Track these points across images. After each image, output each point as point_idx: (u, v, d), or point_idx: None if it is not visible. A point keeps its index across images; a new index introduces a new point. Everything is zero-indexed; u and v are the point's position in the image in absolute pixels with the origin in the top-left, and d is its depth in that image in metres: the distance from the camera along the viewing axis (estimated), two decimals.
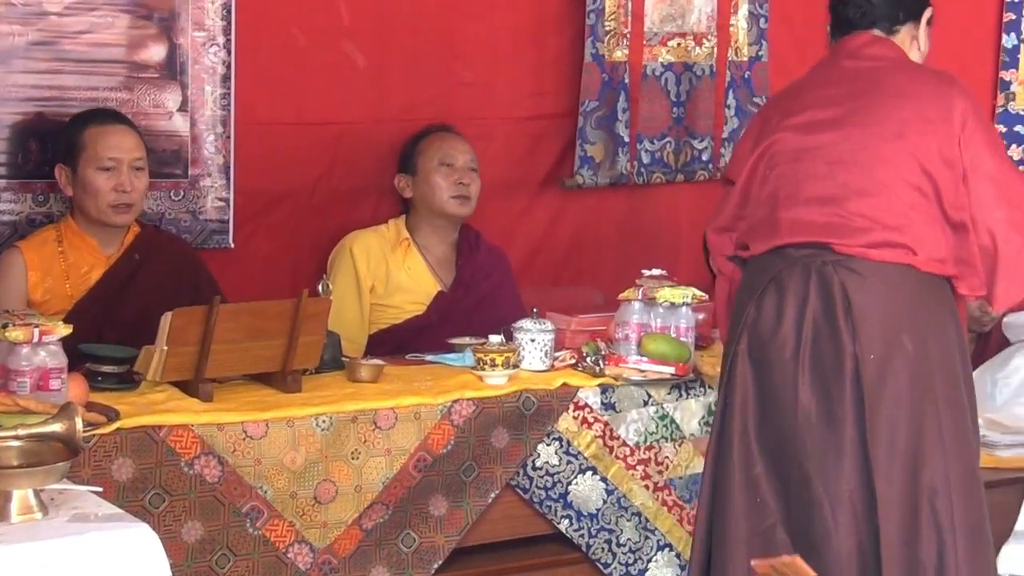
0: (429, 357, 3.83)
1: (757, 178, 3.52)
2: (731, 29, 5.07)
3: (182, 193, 4.22)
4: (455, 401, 3.48)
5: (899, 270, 3.32)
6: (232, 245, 4.31)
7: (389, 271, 4.32)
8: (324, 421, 3.33)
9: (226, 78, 4.22)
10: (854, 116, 3.42)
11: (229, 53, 4.22)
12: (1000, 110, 5.81)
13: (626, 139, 4.91)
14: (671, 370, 3.70)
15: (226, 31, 4.21)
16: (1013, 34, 5.78)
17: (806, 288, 3.33)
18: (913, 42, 3.58)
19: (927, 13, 3.60)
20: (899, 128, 3.36)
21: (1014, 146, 5.86)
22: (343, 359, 3.70)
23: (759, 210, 3.49)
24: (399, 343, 4.14)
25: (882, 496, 3.25)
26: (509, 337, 3.67)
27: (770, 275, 3.40)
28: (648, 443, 3.73)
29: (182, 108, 4.19)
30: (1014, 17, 5.77)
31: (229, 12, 4.20)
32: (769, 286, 3.39)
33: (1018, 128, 5.86)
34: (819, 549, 3.27)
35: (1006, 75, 5.81)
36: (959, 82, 3.47)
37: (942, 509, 3.27)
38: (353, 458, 3.36)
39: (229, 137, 4.25)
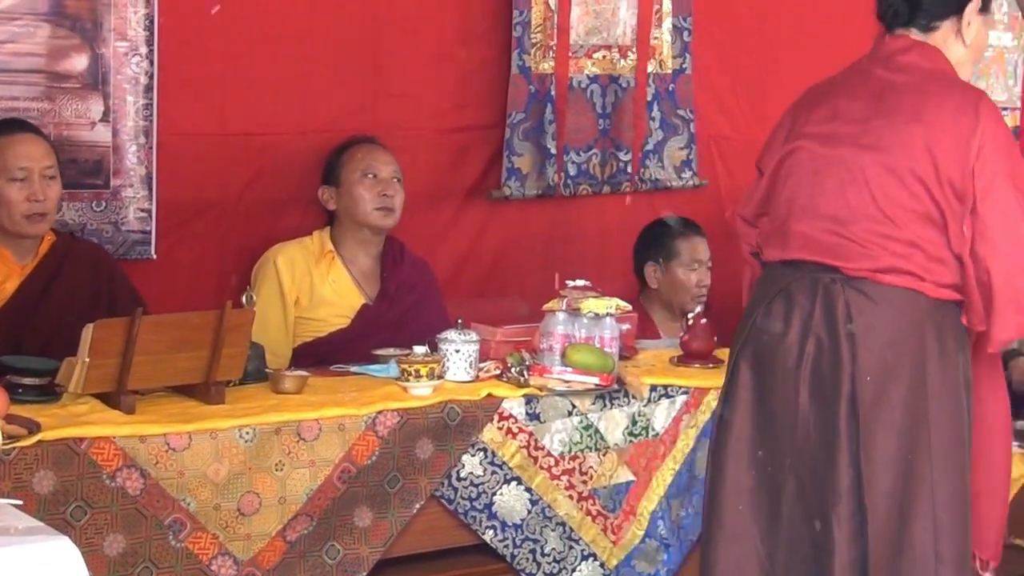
0: (353, 368, 3.83)
1: (780, 178, 3.48)
2: (654, 42, 5.10)
3: (104, 204, 4.19)
4: (379, 412, 3.47)
5: (907, 295, 3.29)
6: (155, 256, 4.29)
7: (313, 284, 4.31)
8: (247, 433, 3.32)
9: (149, 88, 4.20)
10: (871, 136, 3.32)
11: (152, 63, 4.20)
12: None
13: (553, 151, 4.93)
14: (595, 380, 3.71)
15: (149, 41, 4.19)
16: None
17: (812, 304, 3.32)
18: (957, 37, 3.41)
19: (972, 5, 3.41)
20: (912, 156, 3.26)
21: None
22: (267, 371, 3.68)
23: (777, 214, 3.47)
24: (323, 356, 4.12)
25: (872, 516, 3.25)
26: (434, 348, 3.67)
27: (779, 286, 3.40)
28: (572, 453, 3.74)
29: (104, 118, 4.16)
30: None
31: (152, 23, 4.18)
32: (777, 297, 3.39)
33: None
34: (811, 564, 3.29)
35: None
36: (985, 105, 3.32)
37: (928, 536, 3.26)
38: (277, 470, 3.34)
39: (151, 148, 4.23)
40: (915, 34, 3.42)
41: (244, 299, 3.60)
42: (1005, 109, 6.05)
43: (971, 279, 3.28)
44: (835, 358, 3.28)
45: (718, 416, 3.51)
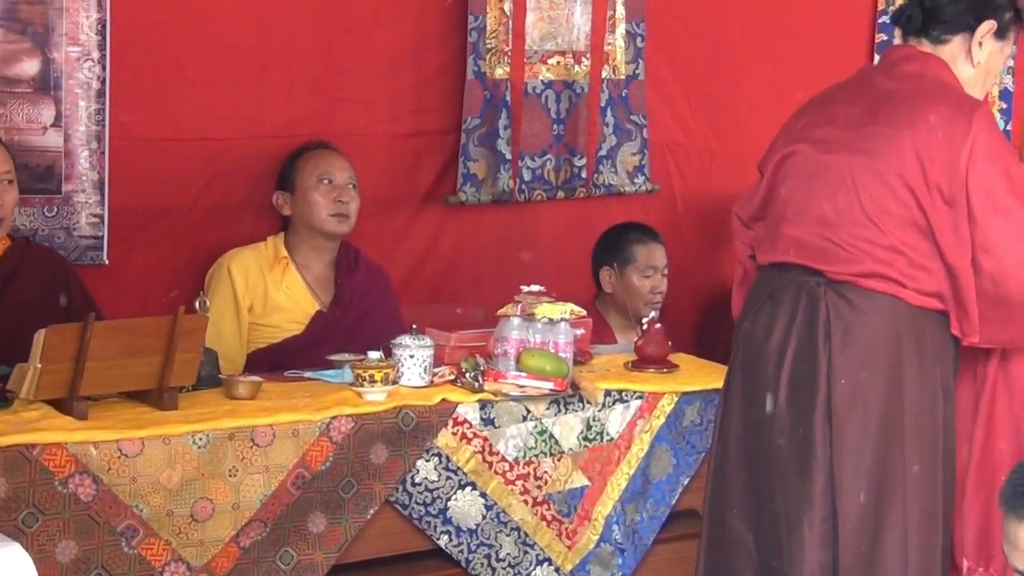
0: (307, 374, 3.82)
1: (778, 181, 3.50)
2: (608, 48, 5.11)
3: (56, 209, 4.16)
4: (334, 418, 3.47)
5: (889, 301, 3.30)
6: (107, 262, 4.26)
7: (267, 290, 4.29)
8: (201, 439, 3.31)
9: (101, 93, 4.18)
10: (863, 141, 3.33)
11: (104, 68, 4.18)
12: None
13: (508, 156, 4.93)
14: (550, 385, 3.72)
15: (101, 46, 4.17)
16: None
17: (795, 307, 3.35)
18: (967, 56, 3.41)
19: (986, 26, 3.40)
20: (901, 161, 3.26)
21: None
22: (220, 377, 3.67)
23: (772, 218, 3.50)
24: (277, 362, 4.10)
25: (843, 521, 3.26)
26: (388, 353, 3.67)
27: (767, 290, 3.44)
28: (527, 458, 3.74)
29: (56, 123, 4.14)
30: (886, 38, 5.88)
31: (104, 27, 4.16)
32: (766, 301, 3.43)
33: None
34: (782, 566, 3.30)
35: None
36: (981, 113, 3.31)
37: (898, 546, 3.27)
38: (230, 475, 3.33)
39: (104, 153, 4.21)
40: (925, 45, 3.43)
41: (197, 304, 3.58)
42: None
43: (968, 290, 3.27)
44: (813, 361, 3.31)
45: (717, 420, 3.56)
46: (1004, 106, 6.15)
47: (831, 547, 3.27)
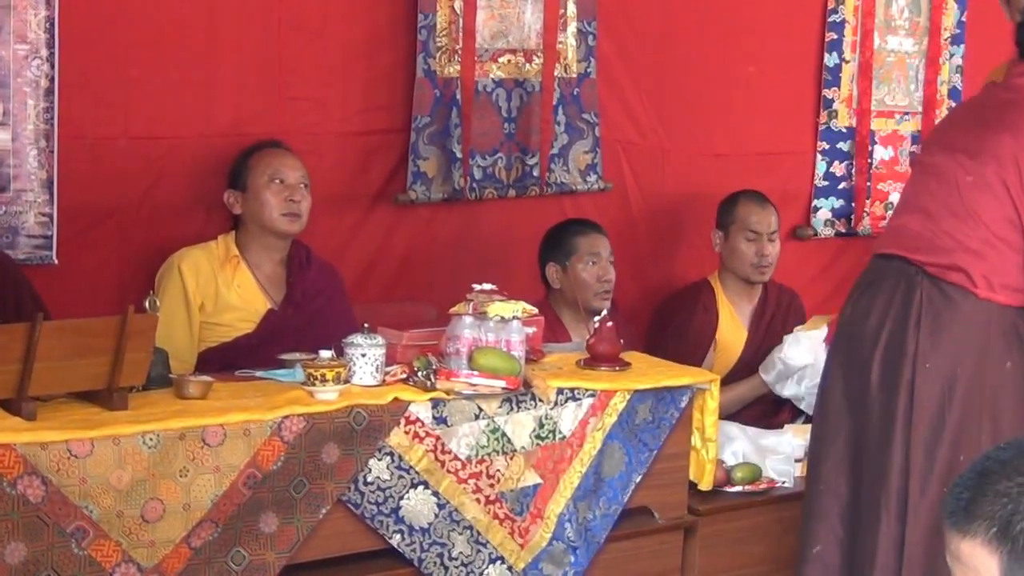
0: (259, 373, 3.80)
1: (908, 181, 3.85)
2: (559, 47, 5.12)
3: (3, 208, 4.13)
4: (285, 417, 3.45)
5: (980, 294, 3.50)
6: (56, 261, 4.23)
7: (218, 289, 4.28)
8: (151, 439, 3.28)
9: (49, 92, 4.15)
10: (971, 142, 3.59)
11: (52, 67, 4.15)
12: (823, 127, 5.96)
13: (459, 155, 4.93)
14: (502, 384, 3.71)
15: (49, 44, 4.14)
16: (835, 53, 5.93)
17: (894, 293, 3.58)
18: None
19: None
20: (1000, 162, 3.50)
21: (836, 162, 6.01)
22: (171, 376, 3.64)
23: (894, 212, 3.84)
24: (229, 362, 4.08)
25: (912, 503, 3.44)
26: (340, 352, 3.66)
27: (870, 277, 3.69)
28: (479, 457, 3.74)
29: (3, 122, 4.10)
30: (835, 37, 5.92)
31: (52, 25, 4.13)
32: (867, 287, 3.68)
33: (840, 145, 6.01)
34: (864, 542, 3.47)
35: (828, 93, 5.95)
36: None
37: None
38: (181, 476, 3.31)
39: (53, 152, 4.18)
40: None
41: (147, 304, 3.55)
42: (906, 114, 6.15)
43: None
44: (902, 345, 3.52)
45: (819, 395, 3.83)
46: (952, 104, 6.20)
47: (902, 524, 3.40)
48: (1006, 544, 2.19)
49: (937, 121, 3.96)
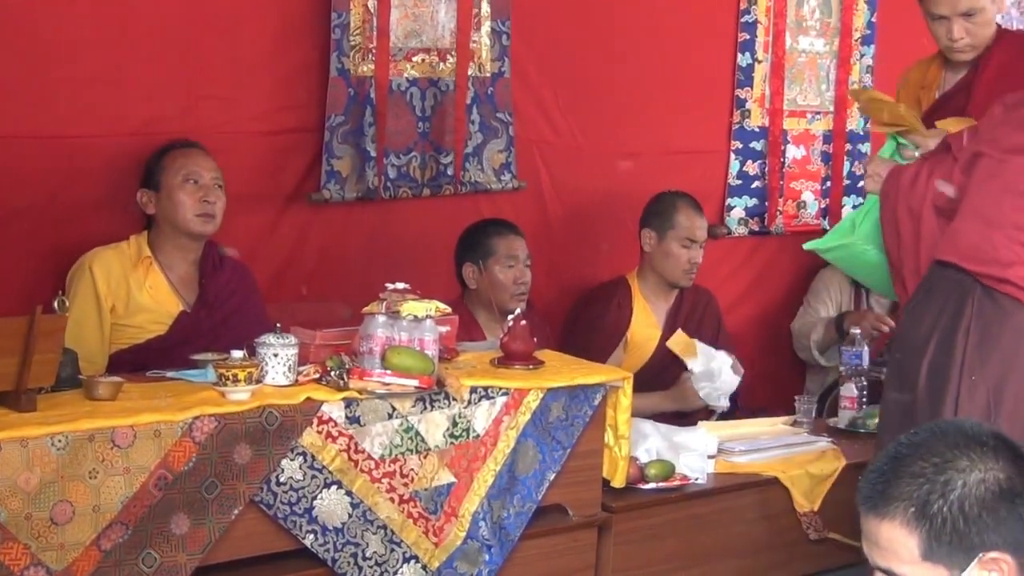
0: (170, 374, 3.77)
1: (967, 178, 3.69)
2: (473, 46, 5.13)
3: None
4: (196, 418, 3.42)
5: None
6: None
7: (130, 290, 4.24)
8: (60, 440, 3.25)
9: None
10: None
11: None
12: (736, 127, 6.01)
13: (373, 154, 4.92)
14: (415, 383, 3.71)
15: None
16: (748, 53, 5.98)
17: (946, 301, 3.53)
18: None
19: None
20: None
21: (750, 161, 6.06)
22: (80, 378, 3.61)
23: (954, 215, 3.69)
24: (141, 363, 4.04)
25: None
26: (252, 352, 3.64)
27: (928, 284, 3.64)
28: (393, 456, 3.73)
29: None
30: (748, 37, 5.97)
31: None
32: (924, 294, 3.63)
33: (753, 144, 6.07)
34: None
35: (741, 93, 6.00)
36: None
37: None
38: (91, 477, 3.28)
39: None
40: None
41: (56, 304, 3.52)
42: (818, 113, 6.22)
43: None
44: (950, 353, 3.48)
45: (881, 404, 3.87)
46: None
47: None
48: (924, 523, 2.23)
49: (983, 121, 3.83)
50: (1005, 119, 3.64)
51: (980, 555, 2.21)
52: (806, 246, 4.44)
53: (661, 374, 5.32)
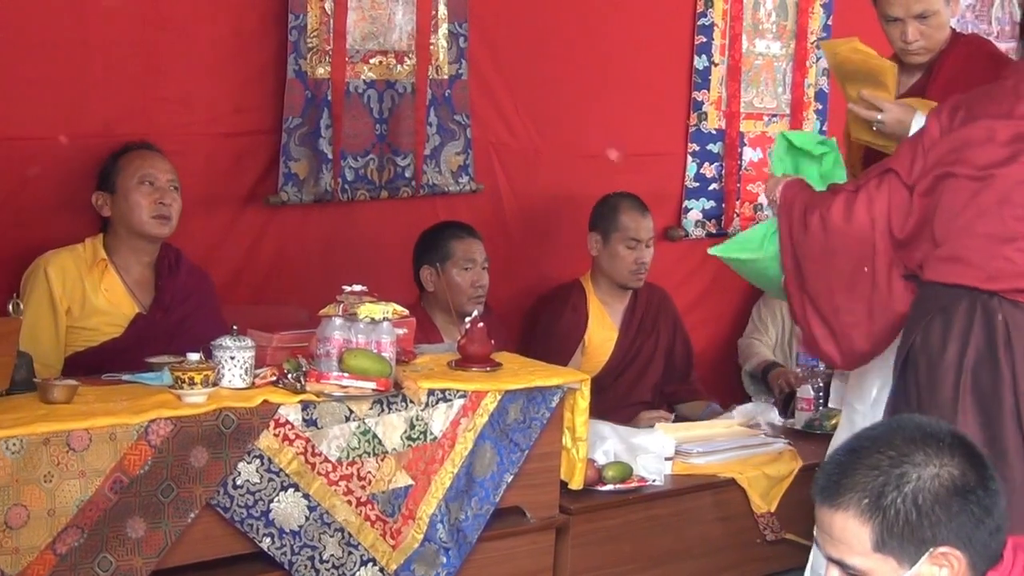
0: (126, 376, 3.75)
1: (937, 200, 3.56)
2: (431, 48, 5.12)
3: None
4: (152, 421, 3.41)
5: None
6: None
7: (85, 293, 4.22)
8: (14, 444, 3.23)
9: None
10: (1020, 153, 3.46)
11: None
12: (693, 129, 6.03)
13: (329, 156, 4.91)
14: (372, 385, 3.71)
15: None
16: (704, 56, 6.00)
17: (970, 320, 3.40)
18: None
19: None
20: None
21: (707, 164, 6.08)
22: (35, 380, 3.59)
23: (936, 236, 3.54)
24: (97, 366, 4.02)
25: None
26: (208, 355, 3.63)
27: (938, 304, 3.48)
28: (350, 459, 3.73)
29: None
30: (705, 40, 5.99)
31: None
32: (937, 314, 3.47)
33: (710, 147, 6.09)
34: None
35: (698, 95, 6.02)
36: None
37: None
38: (46, 481, 3.26)
39: None
40: None
41: (11, 307, 3.50)
42: (774, 116, 6.24)
43: None
44: (995, 372, 3.35)
45: (885, 414, 3.64)
46: (820, 107, 6.30)
47: None
48: (877, 514, 2.25)
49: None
50: (963, 137, 3.56)
51: (931, 549, 2.23)
52: (711, 251, 4.28)
53: (619, 376, 5.33)
